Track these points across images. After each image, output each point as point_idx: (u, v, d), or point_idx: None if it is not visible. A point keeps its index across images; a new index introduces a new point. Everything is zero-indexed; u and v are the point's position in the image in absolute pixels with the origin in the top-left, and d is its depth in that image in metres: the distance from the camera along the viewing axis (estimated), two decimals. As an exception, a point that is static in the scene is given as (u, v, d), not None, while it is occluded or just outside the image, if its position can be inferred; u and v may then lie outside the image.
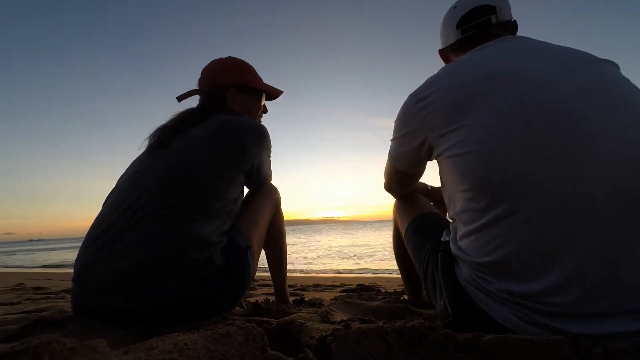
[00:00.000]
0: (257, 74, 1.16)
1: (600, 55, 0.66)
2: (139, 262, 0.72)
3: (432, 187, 1.20)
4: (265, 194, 1.10)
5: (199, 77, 1.11)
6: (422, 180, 1.08)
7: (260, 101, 1.17)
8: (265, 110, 1.22)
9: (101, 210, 0.85)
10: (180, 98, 1.09)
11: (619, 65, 0.66)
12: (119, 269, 0.72)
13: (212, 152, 0.88)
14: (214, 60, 1.12)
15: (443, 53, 0.95)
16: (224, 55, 1.13)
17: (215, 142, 0.90)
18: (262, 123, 1.15)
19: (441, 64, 1.02)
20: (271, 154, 1.07)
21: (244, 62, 1.14)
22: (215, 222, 0.84)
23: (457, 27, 0.83)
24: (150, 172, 0.84)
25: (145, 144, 0.95)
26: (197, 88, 1.11)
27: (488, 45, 0.74)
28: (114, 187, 0.90)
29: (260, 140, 0.98)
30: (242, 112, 1.10)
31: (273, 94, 1.22)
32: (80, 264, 0.77)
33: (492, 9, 0.81)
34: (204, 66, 1.11)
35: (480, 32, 0.81)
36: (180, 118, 0.99)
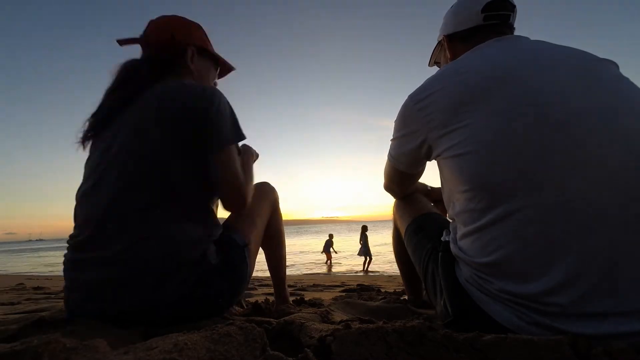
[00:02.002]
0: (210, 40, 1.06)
1: (601, 55, 0.66)
2: (128, 270, 0.71)
3: (432, 187, 1.20)
4: (262, 193, 1.10)
5: (146, 27, 0.95)
6: (422, 180, 1.08)
7: (215, 72, 1.07)
8: (215, 84, 1.10)
9: (78, 212, 0.80)
10: (122, 42, 0.95)
11: (619, 65, 0.67)
12: (110, 277, 0.71)
13: (176, 134, 0.78)
14: (165, 15, 0.98)
15: (449, 38, 0.89)
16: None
17: (180, 121, 0.79)
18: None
19: (436, 69, 1.02)
20: (233, 114, 0.88)
21: (202, 27, 1.02)
22: (196, 214, 0.81)
23: (482, 11, 0.79)
24: (110, 176, 0.76)
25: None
26: (142, 38, 0.95)
27: (488, 45, 0.74)
28: (82, 193, 0.81)
29: (222, 109, 0.83)
30: (199, 78, 0.99)
31: (228, 68, 1.12)
32: (70, 275, 0.76)
33: (513, 7, 0.80)
34: (153, 19, 0.97)
35: (499, 25, 0.80)
36: (125, 78, 0.85)
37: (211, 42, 1.04)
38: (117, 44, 0.95)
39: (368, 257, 8.83)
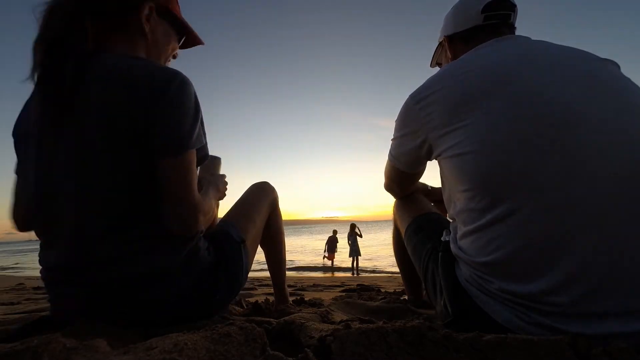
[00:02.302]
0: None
1: (602, 55, 0.66)
2: (115, 280, 0.67)
3: (432, 187, 1.20)
4: (262, 191, 1.09)
5: None
6: (422, 180, 1.08)
7: (177, 39, 0.86)
8: (175, 56, 0.89)
9: (43, 227, 0.71)
10: None
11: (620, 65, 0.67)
12: (99, 288, 0.67)
13: (117, 129, 0.63)
14: None
15: (450, 39, 0.89)
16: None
17: (126, 113, 0.63)
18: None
19: (437, 69, 1.02)
20: (198, 113, 0.71)
21: None
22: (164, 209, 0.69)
23: (482, 11, 0.80)
24: (66, 170, 0.65)
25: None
26: None
27: (488, 45, 0.74)
28: (31, 178, 0.69)
29: (184, 101, 0.67)
30: (153, 42, 0.78)
31: (192, 38, 0.90)
32: (54, 291, 0.72)
33: (513, 7, 0.81)
34: None
35: (499, 24, 0.80)
36: (56, 37, 0.64)
37: (179, 5, 0.84)
38: None
39: (356, 257, 8.70)
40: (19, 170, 0.75)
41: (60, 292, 0.71)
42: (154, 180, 0.67)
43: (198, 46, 0.95)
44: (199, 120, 0.70)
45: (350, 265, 8.81)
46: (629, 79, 0.63)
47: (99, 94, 0.64)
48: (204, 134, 0.74)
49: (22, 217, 0.77)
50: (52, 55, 0.64)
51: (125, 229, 0.67)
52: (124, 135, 0.64)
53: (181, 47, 0.91)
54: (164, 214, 0.68)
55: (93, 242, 0.66)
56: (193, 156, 0.69)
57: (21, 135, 0.74)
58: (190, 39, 0.91)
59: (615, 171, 0.51)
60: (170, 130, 0.65)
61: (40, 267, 0.73)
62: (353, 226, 9.30)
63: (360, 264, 9.10)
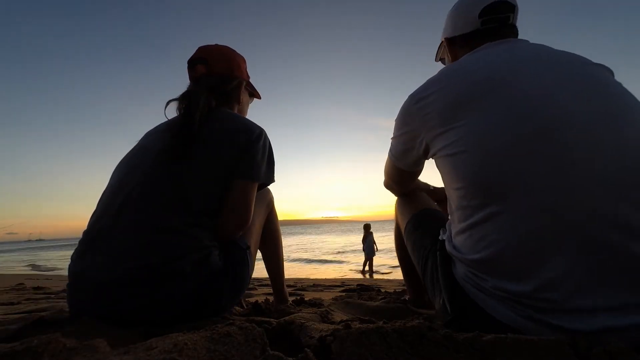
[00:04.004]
0: None
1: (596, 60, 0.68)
2: (136, 268, 0.71)
3: (434, 187, 1.21)
4: (259, 194, 1.10)
5: (202, 55, 1.01)
6: (425, 180, 1.09)
7: (249, 102, 1.19)
8: None
9: (95, 210, 0.84)
10: (191, 64, 1.01)
11: (614, 71, 0.68)
12: (116, 276, 0.71)
13: (221, 159, 0.86)
14: (220, 45, 1.06)
15: (449, 41, 0.90)
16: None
17: (227, 148, 0.87)
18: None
19: (441, 64, 1.03)
20: (272, 157, 0.98)
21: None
22: (210, 225, 0.83)
23: (480, 16, 0.80)
24: (144, 172, 0.82)
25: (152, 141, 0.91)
26: (201, 65, 1.00)
27: (485, 48, 0.75)
28: (109, 184, 0.88)
29: (252, 144, 0.90)
30: (241, 106, 1.10)
31: (257, 96, 1.23)
32: (76, 270, 0.76)
33: (512, 8, 0.81)
34: (206, 45, 1.05)
35: (498, 27, 0.80)
36: (190, 111, 0.90)
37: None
38: (187, 64, 1.02)
39: (370, 258, 8.38)
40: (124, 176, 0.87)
41: (86, 278, 0.74)
42: (214, 195, 0.84)
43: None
44: (272, 165, 0.98)
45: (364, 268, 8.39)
46: (620, 84, 0.64)
47: (212, 136, 0.88)
48: (273, 171, 1.00)
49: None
50: (187, 108, 0.90)
51: (166, 223, 0.76)
52: (222, 165, 0.85)
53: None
54: (224, 219, 0.85)
55: (137, 220, 0.76)
56: (257, 186, 0.93)
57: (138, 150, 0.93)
58: (255, 96, 1.23)
59: (602, 174, 0.52)
60: (253, 166, 0.89)
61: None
62: (368, 227, 8.58)
63: (360, 264, 8.89)
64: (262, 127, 0.97)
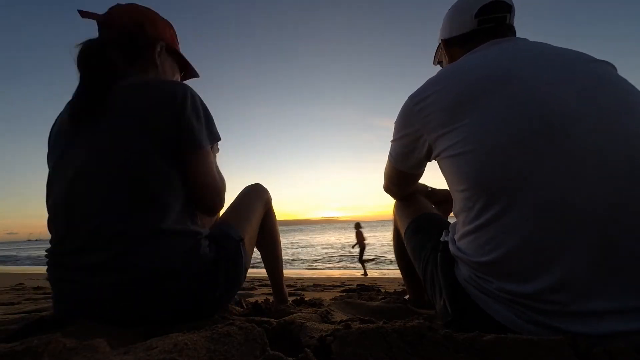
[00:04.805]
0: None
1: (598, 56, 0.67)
2: (123, 275, 0.69)
3: (432, 188, 1.20)
4: (256, 192, 1.11)
5: (111, 9, 0.89)
6: (423, 181, 1.09)
7: (179, 74, 1.04)
8: None
9: (55, 222, 0.76)
10: (84, 14, 0.88)
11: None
12: (99, 285, 0.69)
13: (149, 132, 0.75)
14: (135, 4, 0.92)
15: (447, 43, 0.90)
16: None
17: (153, 118, 0.76)
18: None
19: (439, 68, 1.02)
20: (207, 112, 0.86)
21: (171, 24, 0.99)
22: (182, 215, 0.77)
23: (476, 16, 0.80)
24: (89, 169, 0.73)
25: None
26: (106, 18, 0.88)
27: (485, 47, 0.75)
28: (51, 185, 0.79)
29: (196, 107, 0.81)
30: (162, 74, 0.95)
31: (191, 73, 1.08)
32: (56, 280, 0.74)
33: (509, 8, 0.80)
34: (121, 3, 0.91)
35: (495, 27, 0.80)
36: (95, 68, 0.79)
37: (179, 44, 1.02)
38: (78, 13, 0.88)
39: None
40: (53, 172, 0.81)
41: (67, 289, 0.72)
42: (170, 176, 0.77)
43: (193, 47, 1.03)
44: (210, 121, 0.86)
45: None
46: (625, 80, 0.63)
47: (125, 103, 0.77)
48: (215, 128, 0.87)
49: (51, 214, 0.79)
50: (84, 77, 0.80)
51: (140, 224, 0.71)
52: (153, 136, 0.75)
53: (182, 79, 1.09)
54: (197, 199, 0.81)
55: (109, 234, 0.70)
56: (210, 150, 0.84)
57: (51, 140, 0.85)
58: (188, 73, 1.08)
59: (611, 170, 0.51)
60: (191, 134, 0.79)
61: (49, 262, 0.76)
62: (358, 225, 8.81)
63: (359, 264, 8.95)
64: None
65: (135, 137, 0.74)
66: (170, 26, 0.98)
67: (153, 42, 0.90)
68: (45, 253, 0.77)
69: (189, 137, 0.78)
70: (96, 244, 0.70)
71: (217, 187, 0.83)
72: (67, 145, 0.78)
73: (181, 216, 0.77)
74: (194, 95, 0.82)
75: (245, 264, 0.92)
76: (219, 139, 0.87)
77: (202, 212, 0.85)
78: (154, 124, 0.76)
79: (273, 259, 1.21)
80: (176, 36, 1.01)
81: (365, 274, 7.80)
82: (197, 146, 0.79)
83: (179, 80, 1.04)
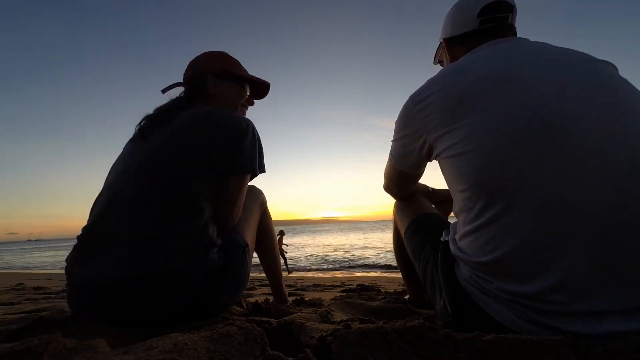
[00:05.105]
0: (240, 65, 1.13)
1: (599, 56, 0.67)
2: (135, 270, 0.71)
3: (432, 188, 1.20)
4: (252, 195, 1.11)
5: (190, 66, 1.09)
6: (423, 181, 1.09)
7: (243, 91, 1.12)
8: (250, 102, 1.17)
9: (92, 211, 0.84)
10: (164, 90, 1.06)
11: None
12: (114, 278, 0.71)
13: (207, 154, 0.86)
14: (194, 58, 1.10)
15: (448, 41, 0.90)
16: (218, 49, 1.12)
17: (215, 143, 0.87)
18: (245, 116, 1.13)
19: (440, 67, 1.02)
20: (261, 148, 0.99)
21: (228, 54, 1.12)
22: (203, 221, 0.82)
23: (478, 16, 0.80)
24: (134, 170, 0.82)
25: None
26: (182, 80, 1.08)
27: (486, 47, 0.74)
28: (105, 184, 0.89)
29: (240, 139, 0.91)
30: (224, 100, 1.06)
31: (258, 82, 1.16)
32: (73, 274, 0.76)
33: (511, 8, 0.80)
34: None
35: (496, 27, 0.80)
36: (163, 107, 0.98)
37: (241, 65, 1.12)
38: (161, 92, 1.06)
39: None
40: (112, 166, 0.93)
41: (83, 281, 0.75)
42: (212, 187, 0.86)
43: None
44: (261, 155, 0.97)
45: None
46: (625, 80, 0.63)
47: (190, 123, 0.89)
48: (264, 161, 1.00)
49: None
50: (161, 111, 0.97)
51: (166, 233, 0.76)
52: (197, 158, 0.85)
53: (257, 98, 1.20)
54: (219, 211, 0.89)
55: (133, 219, 0.76)
56: (248, 178, 0.96)
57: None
58: (257, 87, 1.17)
59: (611, 170, 0.51)
60: (243, 160, 0.90)
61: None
62: (281, 233, 9.67)
63: (360, 263, 9.10)
64: (261, 126, 0.97)
65: (181, 148, 0.84)
66: (220, 54, 1.10)
67: (204, 79, 1.03)
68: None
69: (241, 161, 0.90)
70: (112, 234, 0.75)
71: (241, 205, 0.95)
72: (131, 148, 0.91)
73: (207, 223, 0.82)
74: (254, 129, 0.95)
75: (248, 269, 0.94)
76: (264, 172, 0.99)
77: (220, 222, 0.90)
78: (213, 144, 0.86)
79: (270, 260, 1.21)
80: (229, 60, 1.10)
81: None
82: (246, 171, 0.92)
83: (244, 97, 1.13)
